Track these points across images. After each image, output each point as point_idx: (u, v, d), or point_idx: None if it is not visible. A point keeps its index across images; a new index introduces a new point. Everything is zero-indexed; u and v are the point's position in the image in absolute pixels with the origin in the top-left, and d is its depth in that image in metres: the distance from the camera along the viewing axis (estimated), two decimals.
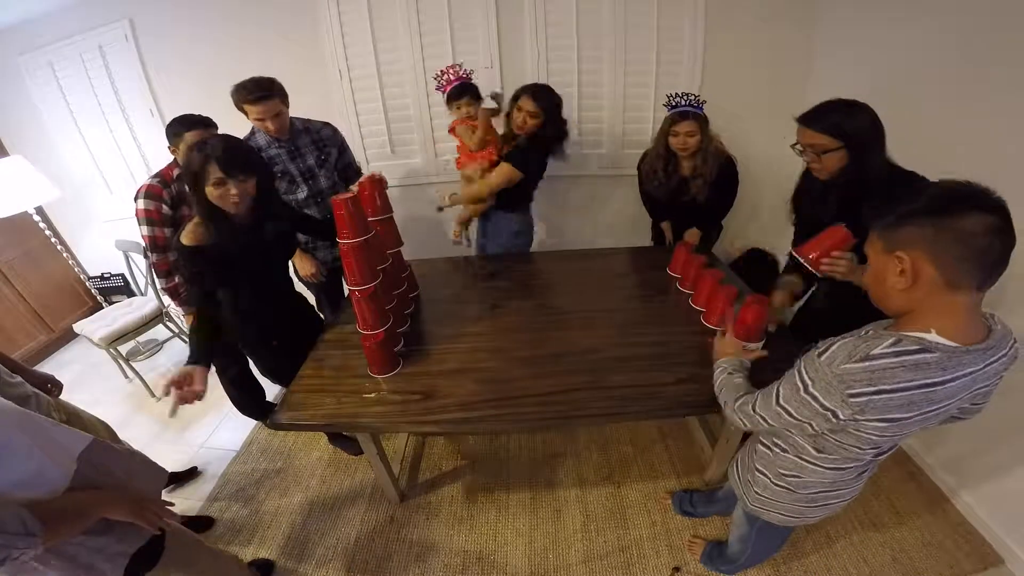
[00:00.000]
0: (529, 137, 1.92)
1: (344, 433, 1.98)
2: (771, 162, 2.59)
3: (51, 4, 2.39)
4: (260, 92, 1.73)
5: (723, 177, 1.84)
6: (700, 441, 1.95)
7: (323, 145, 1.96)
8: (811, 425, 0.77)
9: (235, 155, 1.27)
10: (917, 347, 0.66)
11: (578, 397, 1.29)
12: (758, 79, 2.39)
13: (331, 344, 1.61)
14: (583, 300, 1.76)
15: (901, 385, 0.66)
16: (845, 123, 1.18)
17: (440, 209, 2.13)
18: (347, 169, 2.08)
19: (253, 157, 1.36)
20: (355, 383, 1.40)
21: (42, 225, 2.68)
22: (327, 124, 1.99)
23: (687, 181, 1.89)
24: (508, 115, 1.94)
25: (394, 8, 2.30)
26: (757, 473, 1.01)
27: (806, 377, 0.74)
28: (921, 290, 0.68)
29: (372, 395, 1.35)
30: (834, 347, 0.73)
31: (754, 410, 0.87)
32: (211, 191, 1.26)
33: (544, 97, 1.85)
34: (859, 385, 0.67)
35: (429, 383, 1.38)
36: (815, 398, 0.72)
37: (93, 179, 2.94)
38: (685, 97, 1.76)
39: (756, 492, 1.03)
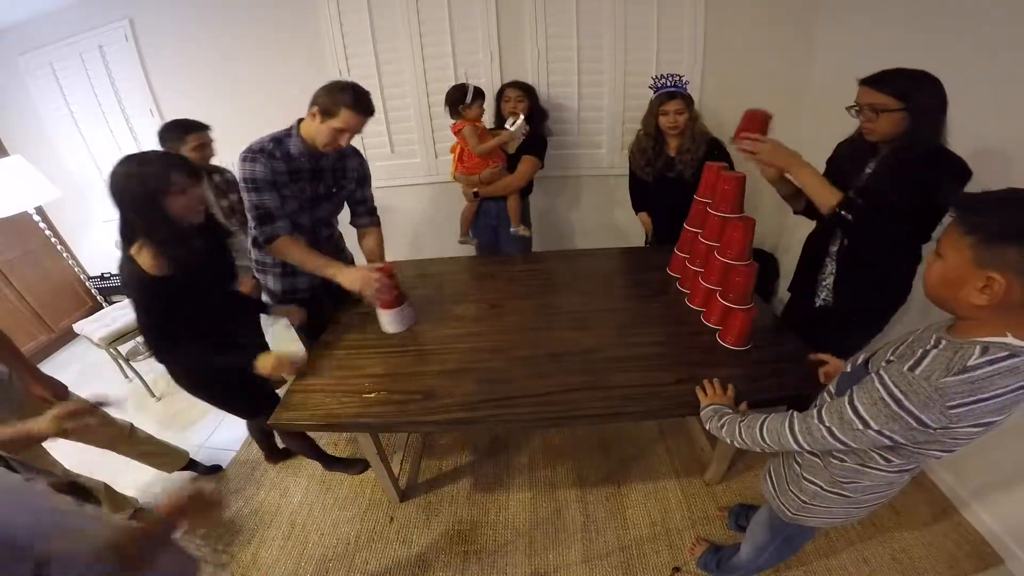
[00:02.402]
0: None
1: (339, 457, 1.98)
2: None
3: (51, 4, 2.40)
4: (370, 108, 1.51)
5: (711, 156, 1.87)
6: (700, 441, 1.95)
7: (341, 175, 1.72)
8: (893, 438, 0.74)
9: (184, 159, 1.26)
10: (1006, 353, 0.66)
11: (578, 397, 1.29)
12: (759, 78, 2.40)
13: (331, 344, 1.61)
14: (583, 300, 1.76)
15: (998, 391, 0.66)
16: (910, 88, 1.17)
17: (476, 195, 2.23)
18: (362, 204, 1.83)
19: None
20: (355, 383, 1.40)
21: (42, 225, 2.68)
22: (357, 153, 1.75)
23: (673, 160, 1.96)
24: (497, 112, 2.16)
25: (394, 8, 2.31)
26: (805, 482, 0.98)
27: (897, 392, 0.71)
28: (998, 306, 0.66)
29: (372, 395, 1.35)
30: (926, 361, 0.70)
31: (828, 435, 0.81)
32: (178, 201, 1.19)
33: (522, 85, 2.14)
34: (959, 397, 0.66)
35: (429, 383, 1.38)
36: (910, 412, 0.70)
37: (93, 179, 2.95)
38: (670, 78, 1.84)
39: (802, 501, 1.00)
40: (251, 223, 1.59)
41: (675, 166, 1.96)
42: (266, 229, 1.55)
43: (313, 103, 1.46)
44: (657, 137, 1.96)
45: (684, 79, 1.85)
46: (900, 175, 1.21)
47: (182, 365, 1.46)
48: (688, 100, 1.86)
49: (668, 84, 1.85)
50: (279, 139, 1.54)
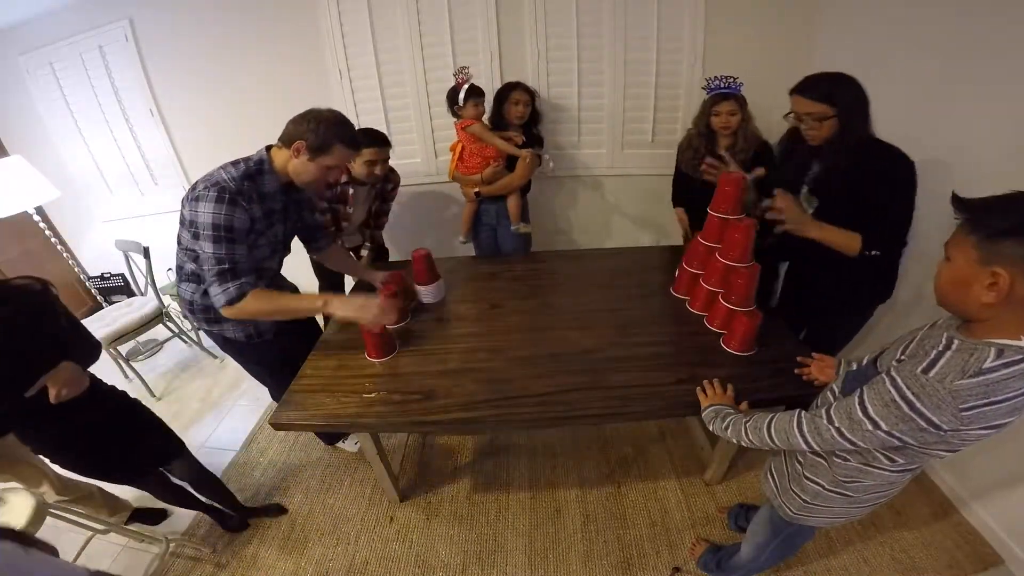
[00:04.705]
0: (523, 126, 2.16)
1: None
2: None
3: (51, 4, 2.39)
4: (359, 141, 1.44)
5: (759, 160, 1.87)
6: (700, 441, 1.95)
7: (306, 206, 1.62)
8: (903, 439, 0.74)
9: None
10: (1020, 356, 0.66)
11: (578, 397, 1.29)
12: (759, 78, 2.38)
13: (331, 344, 1.61)
14: (583, 300, 1.76)
15: (1010, 394, 0.66)
16: (835, 92, 1.29)
17: (478, 195, 2.22)
18: (318, 228, 1.72)
19: None
20: (355, 383, 1.41)
21: (42, 225, 2.68)
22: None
23: (722, 159, 1.93)
24: (497, 113, 2.15)
25: (394, 8, 2.30)
26: (806, 482, 0.99)
27: (909, 394, 0.70)
28: (1008, 305, 0.66)
29: (372, 395, 1.35)
30: (941, 363, 0.70)
31: (838, 435, 0.81)
32: None
33: (529, 88, 2.14)
34: (972, 399, 0.66)
35: (429, 383, 1.38)
36: (922, 415, 0.69)
37: (93, 179, 2.95)
38: (724, 79, 1.85)
39: (803, 501, 1.01)
40: (209, 278, 1.32)
41: (724, 166, 1.96)
42: (230, 288, 1.31)
43: (295, 137, 1.30)
44: (708, 135, 1.97)
45: (738, 81, 1.87)
46: (856, 177, 1.32)
47: (31, 439, 1.28)
48: (741, 101, 1.87)
49: (722, 85, 1.86)
50: (251, 175, 1.34)
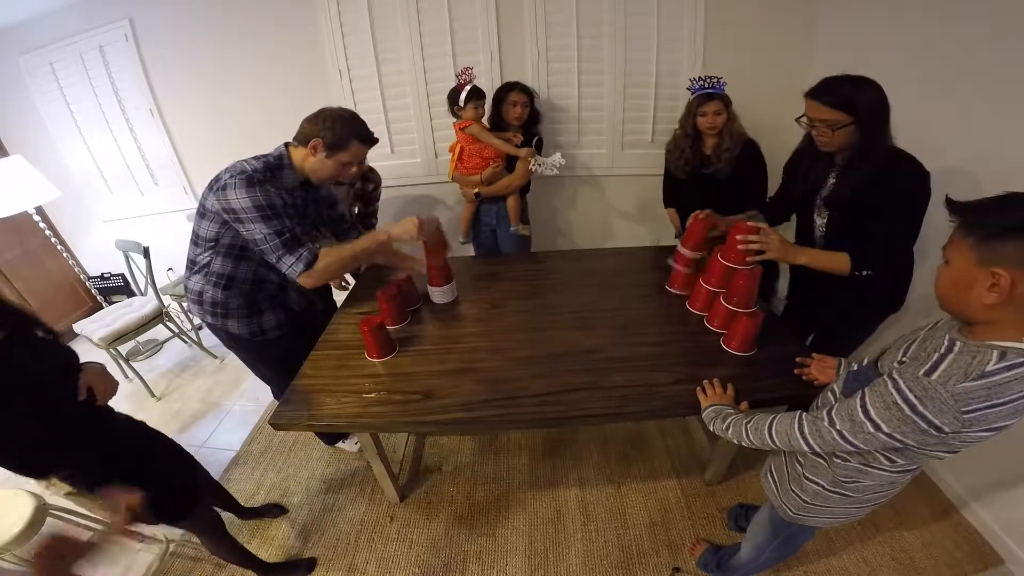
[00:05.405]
0: (522, 126, 2.16)
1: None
2: (772, 159, 2.60)
3: (51, 4, 2.40)
4: (374, 137, 1.48)
5: (746, 158, 1.89)
6: (700, 441, 1.95)
7: (326, 204, 1.65)
8: (904, 441, 0.74)
9: None
10: (1023, 359, 0.66)
11: (578, 397, 1.29)
12: (759, 78, 2.39)
13: (331, 344, 1.61)
14: (583, 300, 1.76)
15: (1012, 396, 0.66)
16: (854, 98, 1.18)
17: (477, 195, 2.22)
18: (342, 221, 1.75)
19: None
20: (355, 383, 1.40)
21: (42, 225, 2.68)
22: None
23: (709, 158, 1.97)
24: (496, 114, 2.16)
25: (394, 8, 2.30)
26: (806, 482, 0.99)
27: (911, 397, 0.70)
28: (1009, 306, 0.67)
29: (372, 395, 1.35)
30: (943, 366, 0.70)
31: (839, 437, 0.80)
32: None
33: (527, 88, 2.14)
34: (975, 402, 0.66)
35: (429, 383, 1.38)
36: (924, 417, 0.69)
37: (93, 179, 2.95)
38: (708, 80, 1.86)
39: (803, 501, 1.01)
40: (276, 253, 1.35)
41: (711, 164, 1.97)
42: (303, 253, 1.36)
43: (311, 135, 1.36)
44: (694, 136, 1.97)
45: (722, 80, 1.87)
46: (868, 190, 1.25)
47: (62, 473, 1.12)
48: (726, 101, 1.87)
49: (707, 85, 1.86)
50: (271, 168, 1.38)
